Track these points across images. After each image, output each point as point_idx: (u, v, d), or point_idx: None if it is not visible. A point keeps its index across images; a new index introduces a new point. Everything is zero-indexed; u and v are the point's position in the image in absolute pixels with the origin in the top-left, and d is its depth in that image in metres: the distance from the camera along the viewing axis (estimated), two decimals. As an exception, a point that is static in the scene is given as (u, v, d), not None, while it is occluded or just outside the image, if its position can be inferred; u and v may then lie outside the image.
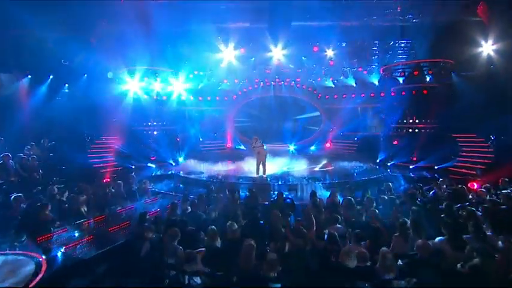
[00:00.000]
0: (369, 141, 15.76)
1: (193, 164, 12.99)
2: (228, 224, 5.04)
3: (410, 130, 12.74)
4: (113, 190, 8.24)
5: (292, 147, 17.63)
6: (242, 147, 18.65)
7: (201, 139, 18.07)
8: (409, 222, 4.79)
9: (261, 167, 10.31)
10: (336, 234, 4.62)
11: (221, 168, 12.17)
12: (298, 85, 18.78)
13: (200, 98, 18.37)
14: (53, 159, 10.40)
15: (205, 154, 16.45)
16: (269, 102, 18.94)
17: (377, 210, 5.65)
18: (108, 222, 6.69)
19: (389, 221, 5.45)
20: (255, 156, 10.29)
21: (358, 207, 5.83)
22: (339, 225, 5.69)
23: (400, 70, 13.14)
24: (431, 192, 7.47)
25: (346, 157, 14.24)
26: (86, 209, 6.69)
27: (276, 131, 18.25)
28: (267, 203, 6.92)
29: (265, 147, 10.47)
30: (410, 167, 11.94)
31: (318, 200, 6.48)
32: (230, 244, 4.76)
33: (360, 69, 15.73)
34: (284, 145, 17.60)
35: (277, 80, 18.71)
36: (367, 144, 16.04)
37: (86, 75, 13.43)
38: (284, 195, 7.13)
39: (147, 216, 5.52)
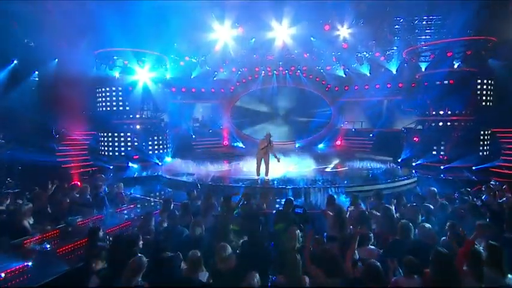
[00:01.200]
0: (387, 138, 15.11)
1: (183, 164, 12.14)
2: (218, 247, 3.66)
3: (440, 124, 11.38)
4: (77, 196, 6.89)
5: (297, 145, 17.39)
6: (240, 144, 18.11)
7: (193, 136, 17.41)
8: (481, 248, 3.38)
9: (262, 167, 9.32)
10: (378, 264, 3.21)
11: (215, 168, 11.42)
12: (304, 74, 18.15)
13: (193, 90, 17.61)
14: (9, 159, 9.20)
15: (199, 153, 16.27)
16: (271, 94, 18.42)
17: (428, 226, 4.24)
18: (63, 238, 5.28)
19: (444, 242, 4.04)
20: (257, 156, 9.25)
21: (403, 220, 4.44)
22: (372, 247, 4.30)
23: (427, 52, 11.76)
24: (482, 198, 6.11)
25: (360, 156, 13.63)
26: (31, 222, 5.28)
27: (279, 127, 17.81)
28: (274, 210, 5.99)
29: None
30: (442, 167, 10.57)
31: (339, 209, 5.08)
32: (221, 278, 3.40)
33: (377, 54, 14.34)
34: (288, 142, 17.40)
35: (280, 68, 17.96)
36: (384, 141, 15.32)
37: (56, 60, 12.47)
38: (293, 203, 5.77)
39: (101, 234, 4.11)
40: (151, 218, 5.24)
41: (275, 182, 9.10)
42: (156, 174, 11.22)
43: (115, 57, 12.42)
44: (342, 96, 17.88)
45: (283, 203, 5.54)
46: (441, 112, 11.88)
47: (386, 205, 5.09)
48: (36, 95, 11.87)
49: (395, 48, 14.19)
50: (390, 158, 12.99)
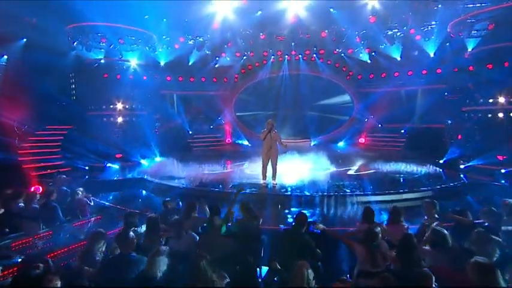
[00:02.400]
0: (423, 135, 14.05)
1: (174, 165, 11.41)
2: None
3: (500, 115, 10.02)
4: (21, 205, 5.73)
5: (313, 143, 16.58)
6: (246, 142, 17.23)
7: (190, 132, 16.72)
8: None
9: (269, 168, 8.47)
10: None
11: (213, 170, 10.81)
12: (321, 59, 17.17)
13: (192, 79, 17.08)
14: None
15: (195, 152, 15.76)
16: (282, 83, 17.62)
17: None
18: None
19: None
20: (262, 153, 8.37)
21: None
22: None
23: (482, 23, 10.02)
24: None
25: (390, 156, 12.45)
26: None
27: (292, 122, 17.00)
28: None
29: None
30: (502, 171, 8.96)
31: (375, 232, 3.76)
32: None
33: (412, 31, 12.82)
34: (302, 140, 16.71)
35: (293, 52, 16.99)
36: (420, 139, 14.14)
37: (25, 40, 11.59)
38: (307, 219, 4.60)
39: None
40: (99, 241, 3.93)
41: (287, 188, 8.28)
42: (140, 177, 10.33)
43: (91, 35, 11.61)
44: (366, 85, 16.99)
45: (293, 218, 4.55)
46: (499, 100, 10.15)
47: (440, 229, 3.70)
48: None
49: (434, 23, 12.59)
50: (429, 159, 11.58)
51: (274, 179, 8.49)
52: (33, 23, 11.15)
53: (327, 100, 17.41)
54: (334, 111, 17.35)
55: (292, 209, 7.21)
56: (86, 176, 10.23)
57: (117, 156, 12.14)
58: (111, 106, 12.16)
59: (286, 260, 3.69)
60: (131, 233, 3.73)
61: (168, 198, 6.00)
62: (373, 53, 15.74)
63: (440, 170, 10.61)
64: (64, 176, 7.50)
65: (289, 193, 7.92)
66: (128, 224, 4.52)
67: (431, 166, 10.87)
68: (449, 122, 12.35)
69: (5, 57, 11.92)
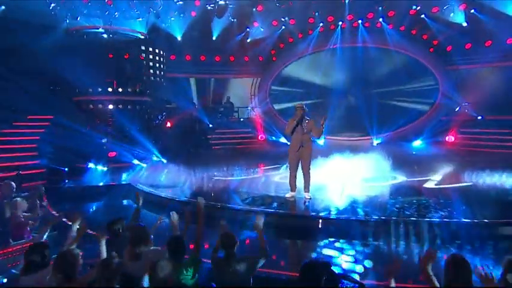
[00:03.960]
0: None
1: (181, 169, 11.13)
2: None
3: None
4: None
5: (376, 142, 16.02)
6: (283, 140, 16.67)
7: (210, 125, 16.51)
8: None
9: (300, 176, 7.75)
10: None
11: (232, 176, 10.63)
12: (391, 25, 16.32)
13: (217, 59, 17.25)
14: None
15: (216, 151, 15.82)
16: (334, 61, 17.20)
17: None
18: None
19: None
20: (289, 153, 7.74)
21: None
22: None
23: None
24: None
25: (497, 163, 11.30)
26: None
27: (346, 114, 16.69)
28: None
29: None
30: None
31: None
32: None
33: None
34: (360, 137, 16.39)
35: (349, 17, 16.35)
36: None
37: (3, 7, 11.87)
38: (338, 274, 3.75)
39: None
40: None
41: (326, 208, 7.19)
42: (126, 183, 10.13)
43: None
44: (459, 60, 15.94)
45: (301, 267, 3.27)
46: None
47: None
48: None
49: None
50: None
51: (307, 192, 7.50)
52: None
53: (397, 83, 16.77)
54: (408, 98, 16.67)
55: (331, 242, 6.16)
56: (66, 181, 10.20)
57: (110, 155, 12.01)
58: (99, 89, 12.06)
59: None
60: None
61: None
62: (473, 11, 14.36)
63: None
64: (11, 183, 6.93)
65: (327, 215, 6.75)
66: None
67: None
68: None
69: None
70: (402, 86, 16.60)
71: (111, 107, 12.12)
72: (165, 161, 12.90)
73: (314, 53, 17.34)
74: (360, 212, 6.89)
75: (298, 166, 7.45)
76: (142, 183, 9.78)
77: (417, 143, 15.63)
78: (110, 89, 12.17)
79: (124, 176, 11.19)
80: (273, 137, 16.86)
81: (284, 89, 17.88)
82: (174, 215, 3.96)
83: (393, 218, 6.34)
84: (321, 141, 14.41)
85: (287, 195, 7.59)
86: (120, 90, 12.35)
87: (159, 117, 13.85)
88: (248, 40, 16.92)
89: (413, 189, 8.77)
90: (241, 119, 17.39)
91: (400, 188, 8.92)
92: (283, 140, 16.41)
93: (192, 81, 17.02)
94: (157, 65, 13.69)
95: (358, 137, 16.31)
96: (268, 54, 17.65)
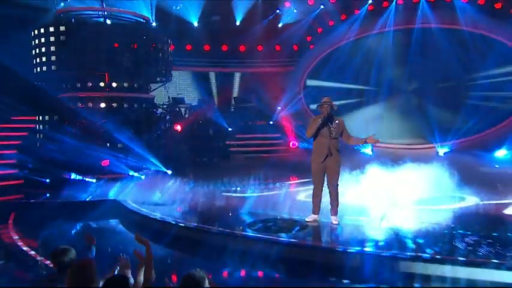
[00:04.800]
0: None
1: (188, 182, 11.23)
2: None
3: None
4: None
5: (442, 151, 15.15)
6: None
7: (229, 129, 16.12)
8: None
9: (325, 193, 7.32)
10: None
11: (247, 191, 10.47)
12: None
13: (242, 48, 16.85)
14: None
15: (236, 159, 15.77)
16: (385, 47, 16.21)
17: None
18: None
19: None
20: (312, 164, 7.18)
21: None
22: None
23: None
24: None
25: None
26: None
27: (403, 115, 15.97)
28: None
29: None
30: None
31: None
32: None
33: None
34: (422, 145, 15.65)
35: None
36: None
37: None
38: None
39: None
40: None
41: (361, 239, 6.53)
42: (111, 199, 9.89)
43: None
44: None
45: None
46: None
47: None
48: None
49: None
50: None
51: (334, 216, 6.91)
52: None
53: (472, 74, 15.53)
54: (488, 94, 15.15)
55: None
56: (47, 195, 10.20)
57: (103, 164, 11.61)
58: (89, 84, 11.61)
59: None
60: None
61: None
62: None
63: None
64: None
65: (360, 249, 5.96)
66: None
67: None
68: None
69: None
70: (480, 79, 15.10)
71: (103, 105, 11.63)
72: (170, 172, 12.34)
73: (360, 38, 16.42)
74: (409, 245, 6.04)
75: (323, 181, 6.82)
76: (133, 199, 9.44)
77: (501, 153, 14.33)
78: (101, 84, 11.69)
79: (114, 189, 10.60)
80: (306, 144, 15.36)
81: (322, 84, 16.88)
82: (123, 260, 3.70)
83: (459, 258, 5.31)
84: (368, 150, 13.92)
85: (308, 219, 7.00)
86: (114, 85, 11.90)
87: (166, 119, 13.51)
88: (279, 25, 16.45)
89: (492, 216, 7.76)
90: (270, 122, 16.93)
91: (472, 214, 7.99)
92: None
93: (212, 76, 16.75)
94: (165, 56, 13.16)
95: (418, 144, 15.32)
96: (304, 41, 16.99)
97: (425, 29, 15.52)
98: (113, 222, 9.20)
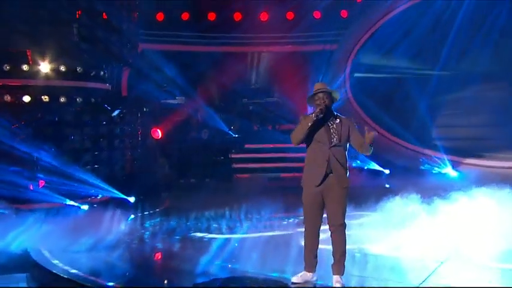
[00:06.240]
0: None
1: (152, 214, 10.00)
2: None
3: None
4: None
5: None
6: (378, 167, 13.81)
7: (235, 135, 14.40)
8: None
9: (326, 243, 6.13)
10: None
11: (220, 233, 8.52)
12: None
13: (264, 17, 14.75)
14: None
15: (239, 181, 13.73)
16: (450, 24, 13.45)
17: None
18: None
19: None
20: (304, 189, 5.47)
21: None
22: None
23: None
24: None
25: None
26: None
27: (493, 120, 13.31)
28: None
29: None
30: None
31: None
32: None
33: None
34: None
35: None
36: None
37: None
38: None
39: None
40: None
41: None
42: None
43: None
44: None
45: None
46: None
47: None
48: None
49: None
50: None
51: (338, 275, 4.99)
52: None
53: None
54: None
55: None
56: None
57: (41, 184, 9.77)
58: (7, 68, 8.67)
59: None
60: None
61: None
62: None
63: None
64: None
65: None
66: None
67: None
68: None
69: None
70: None
71: (27, 99, 8.74)
72: (132, 199, 10.21)
73: (415, 5, 12.93)
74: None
75: (321, 216, 5.17)
76: (53, 245, 6.95)
77: None
78: (24, 67, 8.77)
79: (34, 227, 7.79)
80: (357, 161, 12.72)
81: (371, 76, 13.88)
82: None
83: None
84: (449, 170, 11.87)
85: (294, 279, 5.26)
86: (44, 68, 8.76)
87: (135, 120, 10.87)
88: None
89: None
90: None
91: None
92: (377, 167, 12.97)
93: (196, 57, 13.53)
94: (124, 27, 11.13)
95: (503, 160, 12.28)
96: (340, 19, 13.89)
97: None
98: (20, 278, 6.55)
